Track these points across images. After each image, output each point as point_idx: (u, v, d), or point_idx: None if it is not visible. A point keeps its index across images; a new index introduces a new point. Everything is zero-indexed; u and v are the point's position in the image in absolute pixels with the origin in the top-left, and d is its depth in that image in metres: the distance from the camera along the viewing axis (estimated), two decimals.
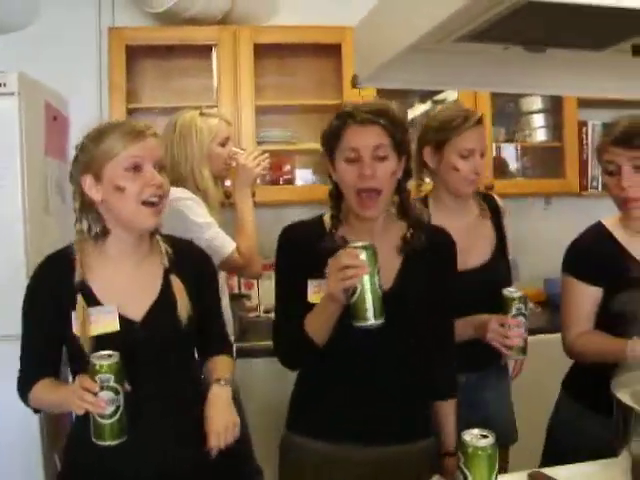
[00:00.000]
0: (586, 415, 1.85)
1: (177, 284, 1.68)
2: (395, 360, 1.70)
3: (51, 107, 3.01)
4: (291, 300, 1.72)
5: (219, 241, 2.30)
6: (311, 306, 1.66)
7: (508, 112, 3.70)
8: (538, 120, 3.70)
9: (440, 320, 1.78)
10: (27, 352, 1.67)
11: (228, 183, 2.72)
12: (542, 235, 3.60)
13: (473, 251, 2.13)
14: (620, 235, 1.94)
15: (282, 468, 1.80)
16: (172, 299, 1.67)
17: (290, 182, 3.49)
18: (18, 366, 1.68)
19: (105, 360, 1.46)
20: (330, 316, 1.60)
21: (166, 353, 1.65)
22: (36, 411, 1.73)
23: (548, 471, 1.55)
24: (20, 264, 2.58)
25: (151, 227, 1.64)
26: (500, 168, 3.64)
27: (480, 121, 2.12)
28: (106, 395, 1.45)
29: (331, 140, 1.69)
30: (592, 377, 1.75)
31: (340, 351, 1.65)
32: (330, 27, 3.28)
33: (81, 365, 1.54)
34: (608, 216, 2.00)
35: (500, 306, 1.88)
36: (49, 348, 1.65)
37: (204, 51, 3.34)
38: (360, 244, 1.51)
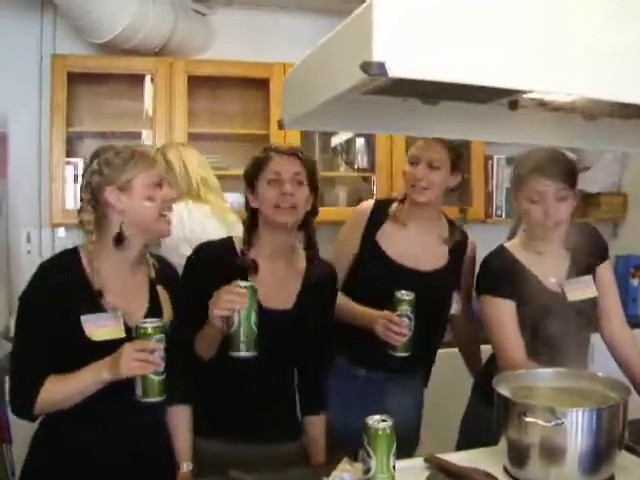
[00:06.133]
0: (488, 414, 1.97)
1: (163, 294, 1.82)
2: (278, 375, 1.98)
3: None
4: (192, 316, 1.85)
5: None
6: None
7: None
8: None
9: (323, 339, 2.05)
10: (30, 357, 1.68)
11: None
12: None
13: (414, 250, 2.30)
14: (521, 256, 2.13)
15: None
16: (159, 307, 1.80)
17: None
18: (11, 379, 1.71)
19: (155, 323, 1.62)
20: (212, 340, 1.82)
21: None
22: (34, 419, 1.70)
23: (441, 456, 1.75)
24: None
25: (167, 235, 1.81)
26: None
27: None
28: (159, 353, 1.61)
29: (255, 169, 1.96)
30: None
31: (228, 363, 1.81)
32: (259, 63, 3.50)
33: (83, 364, 1.63)
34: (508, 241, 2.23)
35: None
36: (51, 351, 1.66)
37: (141, 80, 3.49)
38: (243, 283, 1.75)
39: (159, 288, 1.83)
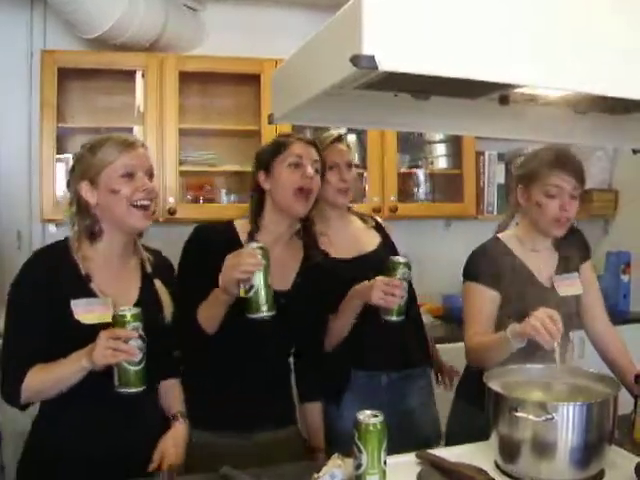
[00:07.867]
0: (474, 414, 1.90)
1: (160, 286, 1.83)
2: (272, 364, 1.98)
3: None
4: (196, 295, 1.88)
5: None
6: None
7: (413, 141, 3.92)
8: (440, 149, 3.94)
9: (314, 326, 2.08)
10: (18, 343, 1.68)
11: None
12: (441, 254, 3.78)
13: (353, 241, 2.32)
14: (516, 249, 2.12)
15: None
16: (153, 299, 1.81)
17: (209, 201, 3.60)
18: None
19: (132, 310, 1.60)
20: (220, 307, 1.83)
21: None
22: (23, 408, 1.69)
23: (433, 452, 1.74)
24: None
25: (142, 228, 1.79)
26: (405, 192, 3.86)
27: (338, 139, 2.26)
28: (135, 342, 1.57)
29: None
30: (479, 382, 1.77)
31: (227, 353, 1.88)
32: (250, 58, 3.48)
33: (71, 349, 1.62)
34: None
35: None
36: (41, 337, 1.67)
37: (132, 75, 3.46)
38: (256, 245, 1.76)
39: (157, 282, 1.85)
